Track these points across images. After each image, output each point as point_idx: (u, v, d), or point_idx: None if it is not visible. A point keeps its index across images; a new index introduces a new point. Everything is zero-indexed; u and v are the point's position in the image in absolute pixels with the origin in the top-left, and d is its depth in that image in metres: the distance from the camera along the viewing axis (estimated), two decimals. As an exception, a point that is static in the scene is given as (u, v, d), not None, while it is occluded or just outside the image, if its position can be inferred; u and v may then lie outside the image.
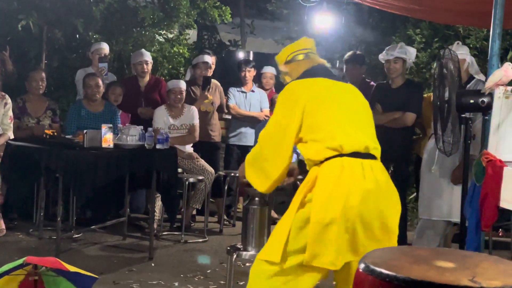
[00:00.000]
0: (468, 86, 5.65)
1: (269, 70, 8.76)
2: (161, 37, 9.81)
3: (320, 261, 3.37)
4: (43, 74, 7.43)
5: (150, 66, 7.96)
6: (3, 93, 6.94)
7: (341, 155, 3.42)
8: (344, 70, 7.76)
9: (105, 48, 8.00)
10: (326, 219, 3.32)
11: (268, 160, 3.68)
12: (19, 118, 7.19)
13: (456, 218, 5.31)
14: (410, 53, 6.66)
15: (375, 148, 3.55)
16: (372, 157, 3.50)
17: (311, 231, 3.36)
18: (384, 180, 3.49)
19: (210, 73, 8.02)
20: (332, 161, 3.42)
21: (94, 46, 8.05)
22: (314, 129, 3.50)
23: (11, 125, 6.93)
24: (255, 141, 7.93)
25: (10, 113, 6.94)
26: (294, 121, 3.51)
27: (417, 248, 2.80)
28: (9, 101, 6.92)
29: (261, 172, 3.73)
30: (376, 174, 3.45)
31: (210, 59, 8.11)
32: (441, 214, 5.59)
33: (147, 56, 7.95)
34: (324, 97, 3.59)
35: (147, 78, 7.91)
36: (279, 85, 9.40)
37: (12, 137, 6.80)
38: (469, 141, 4.87)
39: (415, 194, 7.64)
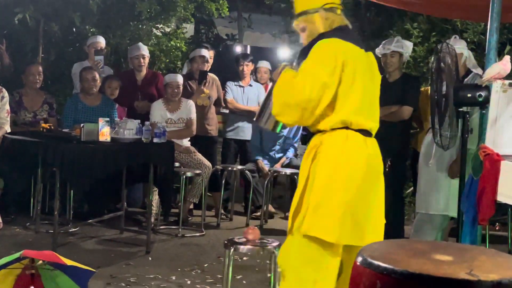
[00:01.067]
0: (465, 80, 5.65)
1: (264, 65, 8.75)
2: (158, 31, 9.81)
3: (320, 231, 3.49)
4: (40, 68, 7.42)
5: (147, 60, 7.95)
6: (0, 87, 6.92)
7: (347, 128, 3.56)
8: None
9: (101, 41, 7.98)
10: (329, 191, 3.48)
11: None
12: (16, 112, 7.17)
13: (453, 212, 5.32)
14: (407, 47, 6.66)
15: (375, 129, 3.72)
16: (371, 136, 3.69)
17: (313, 199, 3.51)
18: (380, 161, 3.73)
19: (207, 67, 8.01)
20: (337, 131, 3.56)
21: (90, 40, 8.03)
22: (336, 97, 3.55)
23: (8, 119, 6.90)
24: (252, 136, 8.01)
25: (7, 107, 6.91)
26: (334, 83, 3.52)
27: (414, 241, 2.80)
28: (6, 94, 6.89)
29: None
30: (376, 151, 3.68)
31: (208, 53, 8.09)
32: (438, 208, 5.59)
33: (144, 50, 7.94)
34: (353, 68, 3.57)
35: (144, 72, 7.91)
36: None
37: (9, 130, 6.78)
38: (466, 135, 4.87)
39: (412, 188, 7.64)
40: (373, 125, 3.68)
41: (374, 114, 3.71)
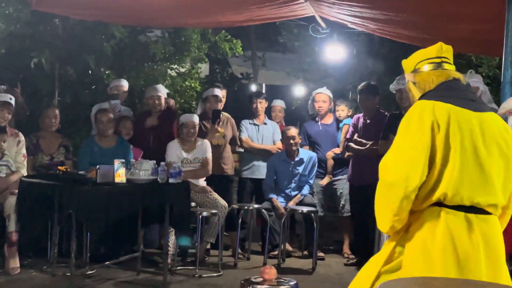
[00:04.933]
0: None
1: (278, 103, 8.76)
2: (172, 71, 9.85)
3: None
4: (56, 111, 7.47)
5: (163, 101, 7.95)
6: (16, 131, 6.97)
7: (440, 205, 3.09)
8: (358, 101, 7.76)
9: (124, 85, 8.07)
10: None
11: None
12: (33, 155, 7.21)
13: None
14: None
15: (491, 204, 3.10)
16: (485, 212, 3.10)
17: None
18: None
19: (220, 106, 8.02)
20: (429, 209, 3.11)
21: (113, 83, 8.12)
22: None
23: (25, 163, 6.94)
24: (267, 174, 7.98)
25: (24, 151, 6.96)
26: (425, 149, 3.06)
27: (432, 279, 2.74)
28: (23, 138, 6.95)
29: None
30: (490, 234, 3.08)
31: (220, 92, 8.11)
32: None
33: (160, 91, 7.94)
34: (453, 131, 3.08)
35: (160, 112, 7.91)
36: (289, 118, 9.46)
37: (25, 174, 6.81)
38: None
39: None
40: (485, 200, 3.07)
41: (490, 188, 3.08)
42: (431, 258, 3.01)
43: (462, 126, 3.08)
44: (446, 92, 3.20)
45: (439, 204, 3.07)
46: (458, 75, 3.31)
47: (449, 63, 3.34)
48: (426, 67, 3.34)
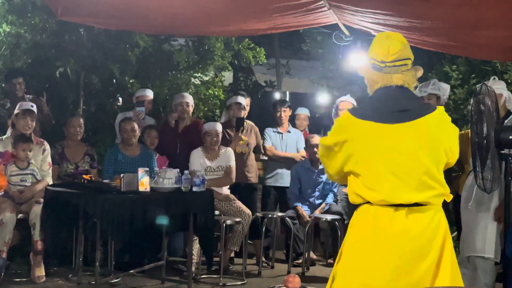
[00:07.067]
0: (506, 121, 5.57)
1: (303, 111, 8.75)
2: (196, 79, 9.88)
3: None
4: (81, 120, 7.52)
5: (190, 109, 7.99)
6: (42, 139, 7.03)
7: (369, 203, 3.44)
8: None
9: (149, 95, 8.12)
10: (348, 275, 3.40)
11: None
12: (58, 164, 7.26)
13: (490, 254, 5.23)
14: (444, 89, 6.60)
15: (416, 200, 3.39)
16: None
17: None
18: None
19: (243, 114, 8.03)
20: (362, 207, 3.48)
21: (139, 92, 8.17)
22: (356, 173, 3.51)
23: (50, 171, 7.00)
24: (291, 182, 7.97)
25: (49, 159, 7.01)
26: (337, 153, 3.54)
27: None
28: (48, 147, 7.01)
29: None
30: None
31: (244, 100, 8.13)
32: (475, 249, 5.49)
33: (189, 98, 7.99)
34: (360, 144, 3.46)
35: (187, 120, 7.93)
36: (313, 126, 9.44)
37: (51, 182, 6.86)
38: (509, 178, 4.78)
39: (456, 233, 7.51)
40: (410, 197, 3.34)
41: (408, 188, 3.35)
42: (363, 242, 3.38)
43: (376, 139, 3.38)
44: (375, 100, 3.51)
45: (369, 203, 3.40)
46: (392, 81, 3.46)
47: (393, 66, 3.46)
48: (374, 65, 3.53)
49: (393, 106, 3.44)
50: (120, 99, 9.21)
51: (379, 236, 3.34)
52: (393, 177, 3.34)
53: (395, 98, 3.46)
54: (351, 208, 8.17)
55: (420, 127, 3.40)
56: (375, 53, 3.53)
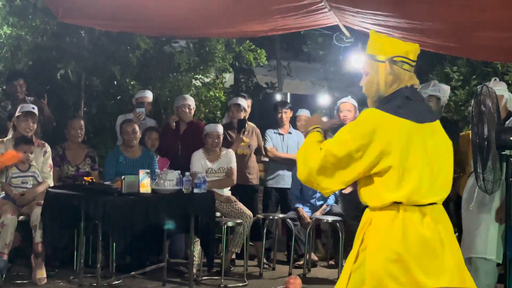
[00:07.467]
0: (507, 122, 5.58)
1: (304, 113, 8.75)
2: (197, 81, 9.88)
3: None
4: (82, 122, 7.53)
5: (192, 111, 8.00)
6: (43, 141, 7.04)
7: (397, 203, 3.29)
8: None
9: (149, 96, 8.12)
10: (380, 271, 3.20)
11: None
12: (59, 166, 7.26)
13: (491, 256, 5.23)
14: (444, 91, 6.60)
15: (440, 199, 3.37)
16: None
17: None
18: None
19: (243, 115, 8.03)
20: (387, 210, 3.30)
21: (138, 94, 8.17)
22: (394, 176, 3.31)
23: (51, 173, 7.01)
24: (292, 184, 7.97)
25: (50, 161, 7.02)
26: (364, 159, 3.29)
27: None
28: (49, 149, 7.01)
29: None
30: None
31: (244, 102, 8.12)
32: (476, 251, 5.49)
33: (191, 101, 8.01)
34: (400, 146, 3.27)
35: (188, 122, 7.93)
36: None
37: (52, 184, 6.87)
38: (510, 179, 4.77)
39: (457, 234, 7.51)
40: (436, 199, 3.31)
41: (437, 187, 3.32)
42: (391, 247, 3.18)
43: (413, 139, 3.26)
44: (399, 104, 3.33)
45: (397, 203, 3.24)
46: (415, 80, 3.43)
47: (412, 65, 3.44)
48: (403, 65, 3.40)
49: (423, 105, 3.48)
50: None
51: (414, 238, 3.21)
52: (430, 176, 3.27)
53: (421, 98, 3.52)
54: (352, 209, 8.22)
55: (440, 128, 3.44)
56: (405, 51, 3.43)
